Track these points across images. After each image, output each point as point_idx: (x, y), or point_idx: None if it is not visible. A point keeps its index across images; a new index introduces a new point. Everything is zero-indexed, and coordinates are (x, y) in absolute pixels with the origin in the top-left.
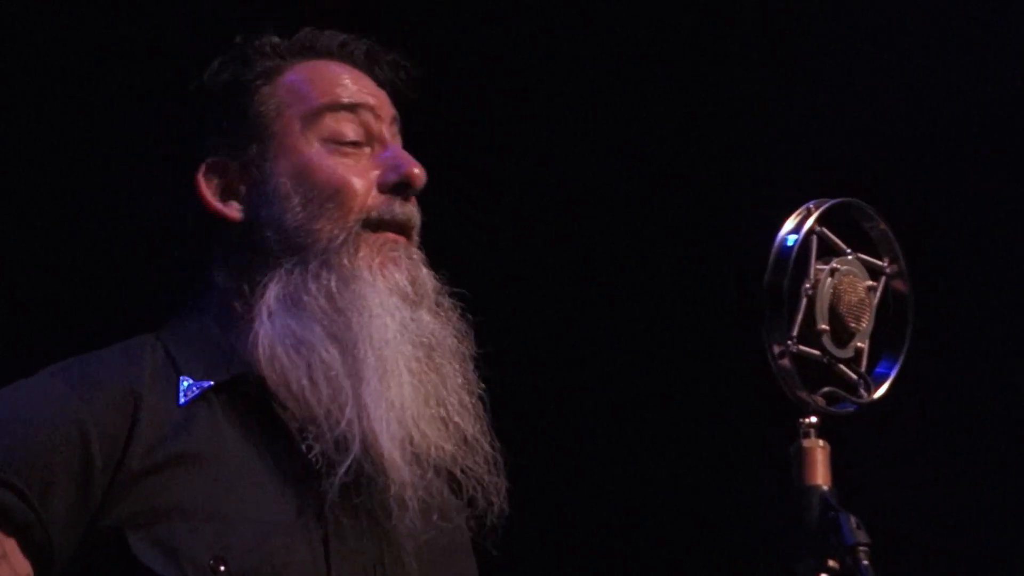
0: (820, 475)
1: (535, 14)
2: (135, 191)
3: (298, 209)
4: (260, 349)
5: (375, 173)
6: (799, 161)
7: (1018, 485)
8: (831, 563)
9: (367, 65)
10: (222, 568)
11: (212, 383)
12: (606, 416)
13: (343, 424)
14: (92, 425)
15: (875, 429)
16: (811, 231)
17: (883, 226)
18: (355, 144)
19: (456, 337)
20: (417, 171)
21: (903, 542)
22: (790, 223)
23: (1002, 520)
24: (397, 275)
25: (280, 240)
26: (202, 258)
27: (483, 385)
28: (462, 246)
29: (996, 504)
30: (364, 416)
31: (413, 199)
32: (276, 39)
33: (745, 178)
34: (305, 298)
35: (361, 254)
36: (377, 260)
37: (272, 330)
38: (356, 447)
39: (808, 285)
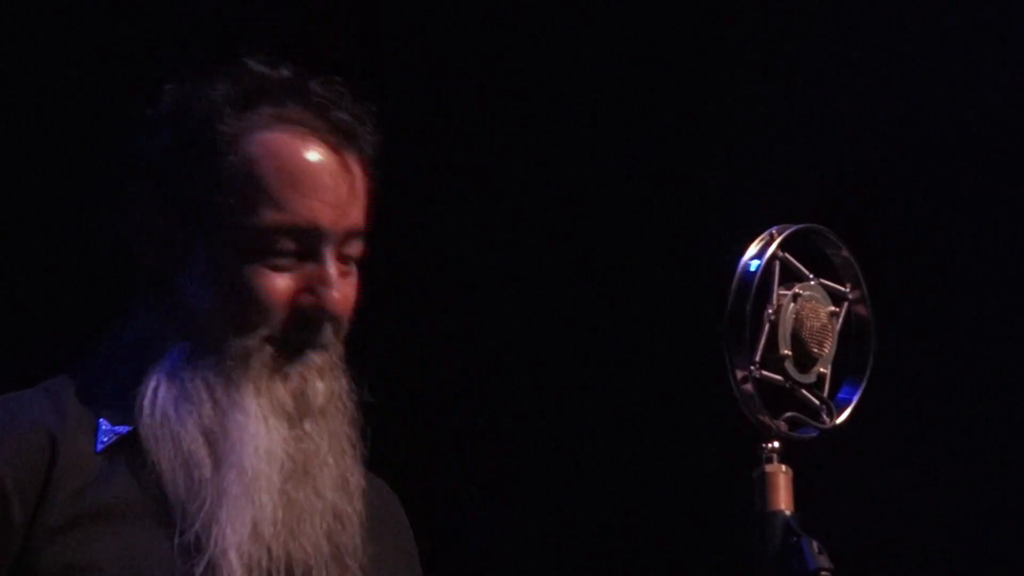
0: (783, 500)
1: (499, 40)
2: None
3: (208, 304)
4: (144, 414)
5: (296, 290)
6: (762, 187)
7: (979, 509)
8: None
9: (345, 141)
10: None
11: (129, 429)
12: (565, 448)
13: (197, 525)
14: (8, 479)
15: (838, 454)
16: (774, 256)
17: (845, 252)
18: (293, 256)
19: (336, 452)
20: (332, 307)
21: (866, 567)
22: (753, 249)
23: (963, 544)
24: (281, 391)
25: (187, 320)
26: (124, 298)
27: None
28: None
29: (958, 529)
30: (214, 527)
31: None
32: (255, 68)
33: (708, 204)
34: (189, 388)
35: (251, 366)
36: (266, 373)
37: (153, 406)
38: (204, 554)
39: (771, 310)
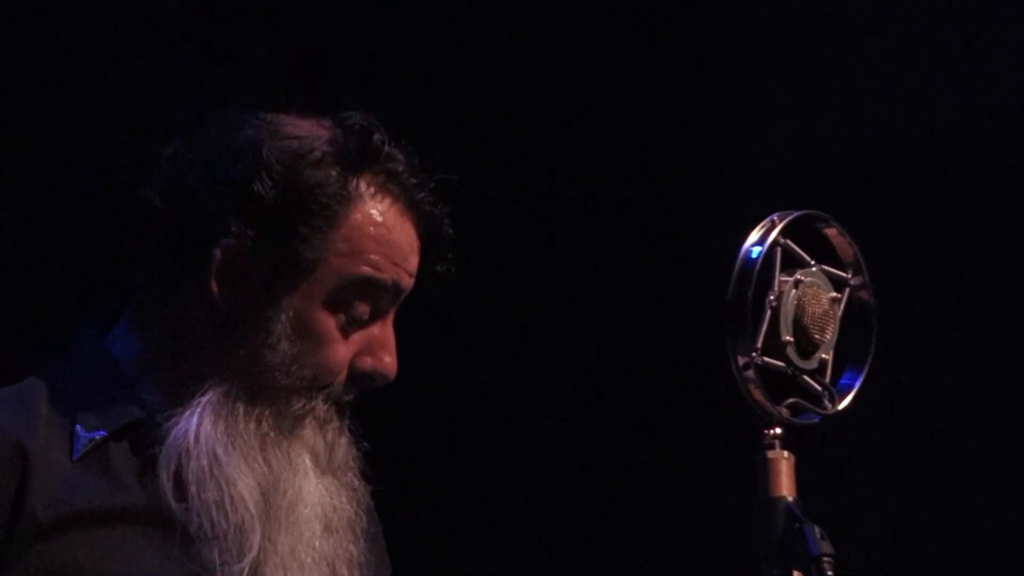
0: (785, 486)
1: (487, 39)
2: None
3: (278, 358)
4: (179, 438)
5: (356, 348)
6: (763, 173)
7: (980, 495)
8: (796, 574)
9: (420, 219)
10: None
11: (105, 432)
12: (568, 436)
13: (240, 566)
14: None
15: (840, 440)
16: (775, 243)
17: (847, 238)
18: (363, 324)
19: (355, 510)
20: (390, 370)
21: (868, 552)
22: (754, 235)
23: (964, 530)
24: (321, 445)
25: (248, 360)
26: (160, 300)
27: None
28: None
29: (959, 514)
30: (261, 569)
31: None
32: (355, 124)
33: (709, 190)
34: (240, 427)
35: (306, 422)
36: (312, 425)
37: (196, 438)
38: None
39: (772, 297)
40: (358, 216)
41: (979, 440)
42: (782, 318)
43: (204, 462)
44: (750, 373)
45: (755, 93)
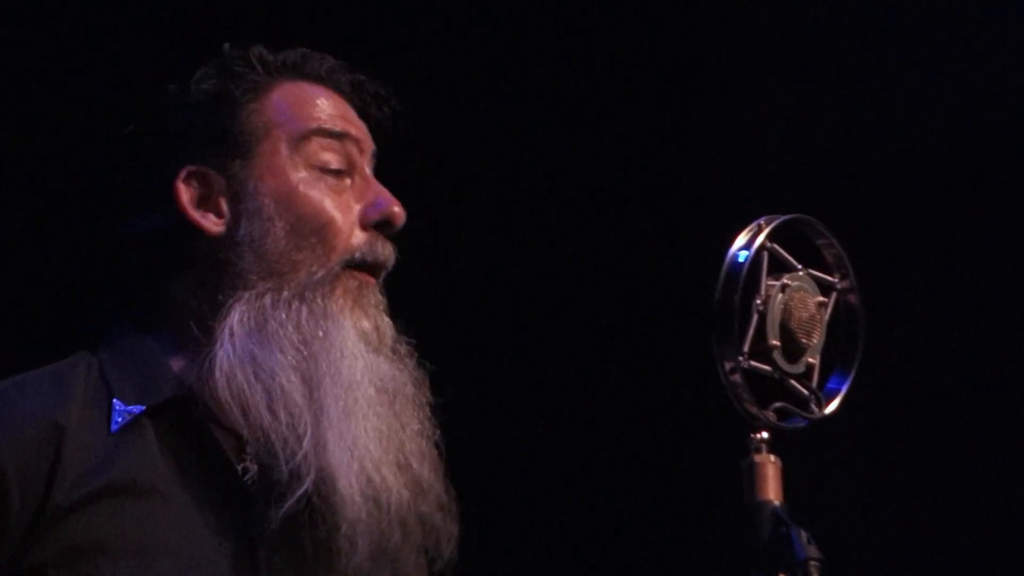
0: (771, 490)
1: (488, 38)
2: (108, 195)
3: (281, 235)
4: (217, 371)
5: (357, 208)
6: (750, 177)
7: (968, 498)
8: None
9: (352, 95)
10: None
11: (144, 408)
12: (553, 440)
13: (299, 456)
14: (9, 467)
15: (827, 444)
16: (762, 247)
17: (833, 242)
18: (338, 173)
19: (413, 384)
20: (398, 210)
21: (855, 556)
22: (741, 239)
23: (952, 534)
24: (364, 321)
25: (256, 261)
26: (162, 269)
27: (439, 431)
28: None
29: (947, 518)
30: (322, 451)
31: (390, 239)
32: (264, 52)
33: (696, 194)
34: (272, 325)
35: (336, 294)
36: (350, 303)
37: (233, 352)
38: (310, 479)
39: (759, 301)
40: (284, 88)
41: (969, 444)
42: (769, 322)
43: (248, 369)
44: (737, 377)
45: (744, 97)
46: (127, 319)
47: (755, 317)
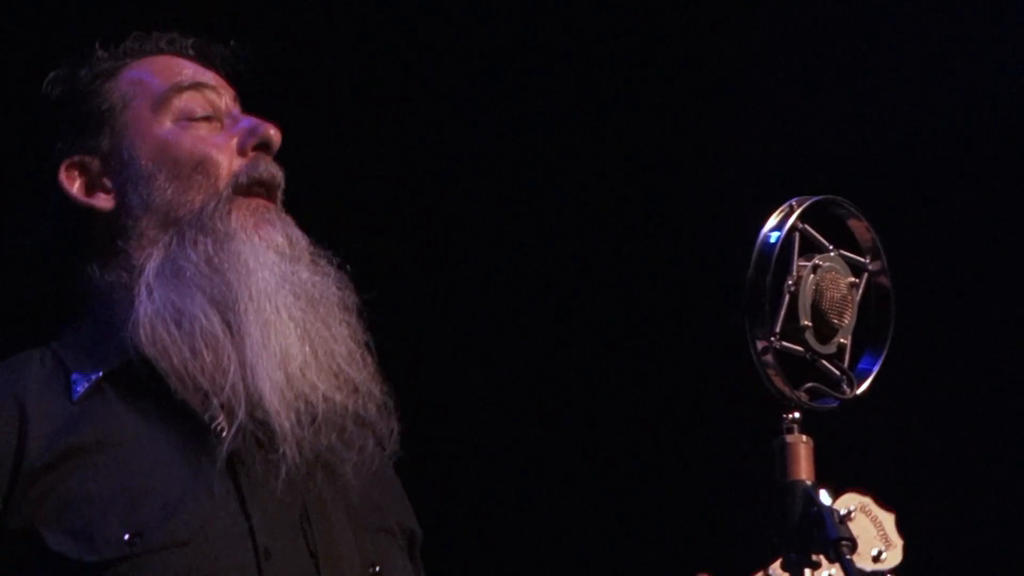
0: (803, 470)
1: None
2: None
3: (165, 186)
4: (141, 329)
5: (233, 140)
6: (782, 158)
7: (999, 479)
8: (815, 557)
9: (197, 55)
10: (138, 541)
11: (101, 372)
12: (590, 419)
13: (227, 389)
14: None
15: (858, 424)
16: (794, 228)
17: (865, 223)
18: (206, 118)
19: (338, 287)
20: (273, 131)
21: None
22: (773, 220)
23: (982, 512)
24: (272, 233)
25: (153, 218)
26: (82, 259)
27: (368, 333)
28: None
29: (977, 497)
30: (248, 376)
31: (273, 160)
32: (107, 45)
33: (728, 175)
34: (183, 264)
35: (234, 216)
36: (251, 221)
37: (151, 306)
38: (242, 411)
39: (791, 282)
40: (131, 65)
41: (998, 425)
42: (800, 303)
43: (168, 320)
44: (769, 358)
45: (777, 79)
46: (68, 315)
47: (787, 298)
